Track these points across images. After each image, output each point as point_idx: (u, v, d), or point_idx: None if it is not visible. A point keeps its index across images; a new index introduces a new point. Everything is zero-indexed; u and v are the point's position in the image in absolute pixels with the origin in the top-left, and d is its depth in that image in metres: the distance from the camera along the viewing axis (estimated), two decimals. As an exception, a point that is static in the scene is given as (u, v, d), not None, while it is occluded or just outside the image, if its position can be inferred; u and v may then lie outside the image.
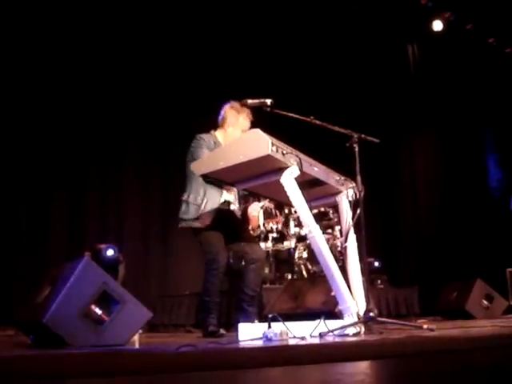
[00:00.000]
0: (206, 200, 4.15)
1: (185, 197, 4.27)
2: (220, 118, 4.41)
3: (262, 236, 5.54)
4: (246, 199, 4.81)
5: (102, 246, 5.51)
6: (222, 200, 4.23)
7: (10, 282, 5.88)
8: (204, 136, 4.31)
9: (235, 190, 4.35)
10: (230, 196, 4.31)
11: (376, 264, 6.81)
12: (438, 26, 8.94)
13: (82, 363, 2.04)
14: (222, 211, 4.23)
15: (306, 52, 8.13)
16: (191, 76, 7.28)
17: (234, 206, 4.39)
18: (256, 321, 3.92)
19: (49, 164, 6.38)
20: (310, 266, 5.61)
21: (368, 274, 3.76)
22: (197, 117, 6.66)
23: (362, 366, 1.93)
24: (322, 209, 5.67)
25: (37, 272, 5.34)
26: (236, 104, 4.33)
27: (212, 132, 4.40)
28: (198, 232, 4.20)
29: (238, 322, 3.73)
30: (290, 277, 5.55)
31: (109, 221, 6.80)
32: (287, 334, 3.04)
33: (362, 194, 3.68)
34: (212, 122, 4.48)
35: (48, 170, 6.36)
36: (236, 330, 3.59)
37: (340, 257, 4.99)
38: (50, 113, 6.42)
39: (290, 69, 7.92)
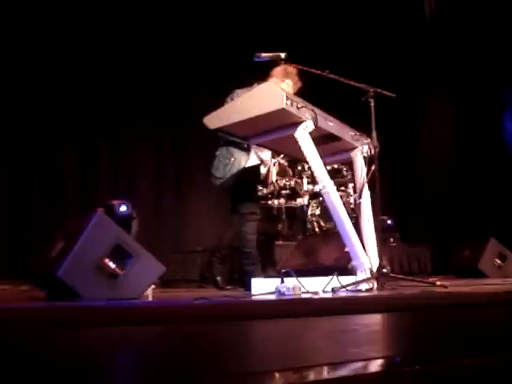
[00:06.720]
0: (233, 159, 4.16)
1: (217, 152, 4.28)
2: (269, 73, 4.18)
3: (275, 193, 5.52)
4: None
5: (115, 202, 5.50)
6: (250, 162, 4.24)
7: (24, 238, 5.95)
8: (240, 92, 4.06)
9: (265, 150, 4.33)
10: (257, 158, 4.31)
11: (389, 222, 6.77)
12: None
13: (97, 314, 2.05)
14: (250, 171, 4.26)
15: (321, 5, 7.93)
16: (205, 31, 7.13)
17: (263, 169, 4.42)
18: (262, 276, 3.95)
19: (61, 119, 6.34)
20: (322, 223, 5.60)
21: (381, 231, 3.72)
22: (211, 72, 6.58)
23: (376, 318, 1.93)
24: (336, 166, 5.62)
25: (51, 227, 5.37)
26: (290, 68, 4.08)
27: (255, 85, 3.89)
28: (231, 188, 4.24)
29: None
30: (302, 234, 5.55)
31: (122, 177, 6.80)
32: (300, 289, 3.05)
33: (377, 150, 3.63)
34: (228, 79, 4.37)
35: (60, 124, 6.33)
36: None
37: (353, 214, 4.96)
38: (61, 69, 6.35)
39: (305, 23, 7.74)
